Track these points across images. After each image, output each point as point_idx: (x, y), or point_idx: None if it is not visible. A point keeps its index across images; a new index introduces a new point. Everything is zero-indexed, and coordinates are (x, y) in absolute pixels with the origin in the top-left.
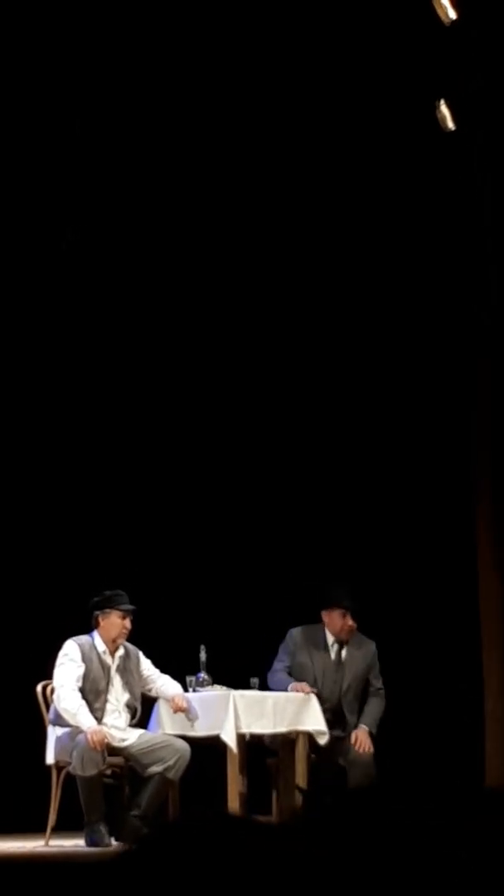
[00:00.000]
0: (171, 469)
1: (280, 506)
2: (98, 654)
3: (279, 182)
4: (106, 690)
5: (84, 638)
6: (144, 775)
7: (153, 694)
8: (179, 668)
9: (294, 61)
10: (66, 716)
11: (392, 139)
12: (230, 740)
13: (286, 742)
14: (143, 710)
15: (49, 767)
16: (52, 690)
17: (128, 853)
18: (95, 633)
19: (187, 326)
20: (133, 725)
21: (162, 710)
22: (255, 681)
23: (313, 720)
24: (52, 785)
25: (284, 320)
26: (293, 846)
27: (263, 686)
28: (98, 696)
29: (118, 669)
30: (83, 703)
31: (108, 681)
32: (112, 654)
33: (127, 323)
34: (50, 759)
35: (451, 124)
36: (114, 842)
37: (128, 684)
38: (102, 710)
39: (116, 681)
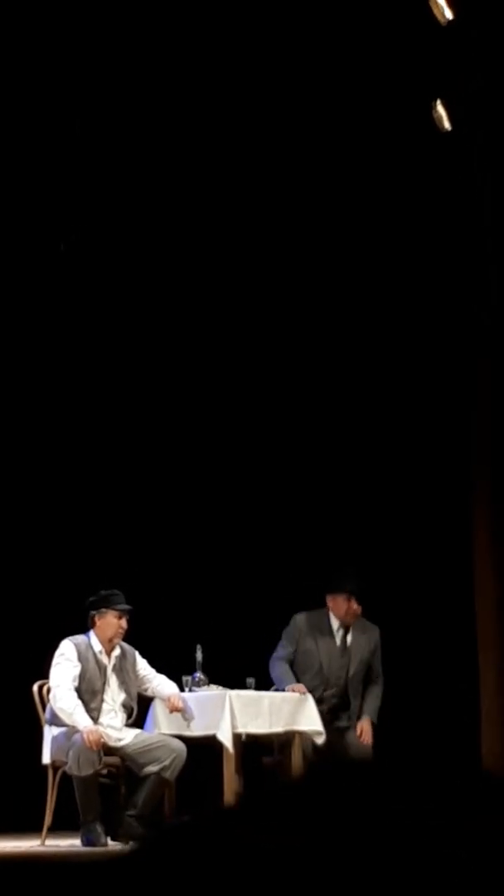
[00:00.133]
0: (168, 469)
1: (277, 505)
2: (94, 653)
3: (279, 183)
4: (102, 690)
5: (80, 637)
6: (141, 775)
7: (149, 694)
8: (175, 668)
9: (293, 62)
10: (62, 715)
11: (391, 139)
12: (226, 740)
13: (284, 742)
14: (139, 710)
15: (45, 767)
16: (49, 690)
17: (125, 855)
18: (92, 633)
19: (185, 325)
20: (129, 725)
21: (158, 710)
22: (251, 681)
23: (309, 720)
24: (49, 785)
25: (284, 318)
26: (291, 843)
27: (260, 686)
28: (94, 696)
29: (114, 669)
30: (79, 702)
31: (105, 680)
32: (108, 653)
33: (125, 324)
34: (46, 758)
35: (447, 125)
36: (110, 841)
37: (124, 684)
38: (98, 709)
39: (113, 680)
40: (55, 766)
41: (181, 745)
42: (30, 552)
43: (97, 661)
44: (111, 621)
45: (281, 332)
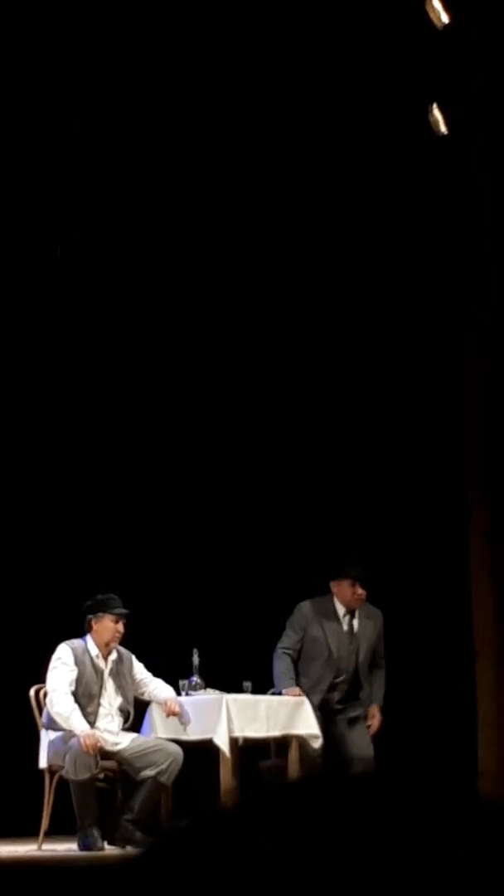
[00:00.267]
0: (164, 474)
1: (273, 510)
2: (91, 657)
3: (278, 186)
4: (99, 694)
5: (77, 642)
6: (137, 779)
7: (146, 698)
8: (172, 672)
9: (291, 67)
10: (58, 720)
11: (390, 141)
12: (223, 744)
13: (280, 746)
14: (135, 714)
15: (42, 771)
16: (45, 694)
17: (123, 861)
18: (88, 637)
19: (182, 323)
20: (126, 729)
21: (155, 714)
22: (247, 684)
23: (306, 724)
24: (45, 789)
25: (283, 319)
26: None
27: (256, 690)
28: (91, 700)
29: (111, 673)
30: (76, 706)
31: (101, 685)
32: (105, 657)
33: (122, 327)
34: (43, 762)
35: (443, 128)
36: (107, 846)
37: (120, 688)
38: (95, 713)
39: (109, 685)
40: (52, 770)
41: (178, 749)
42: (26, 556)
43: (94, 666)
44: (108, 625)
45: (282, 329)
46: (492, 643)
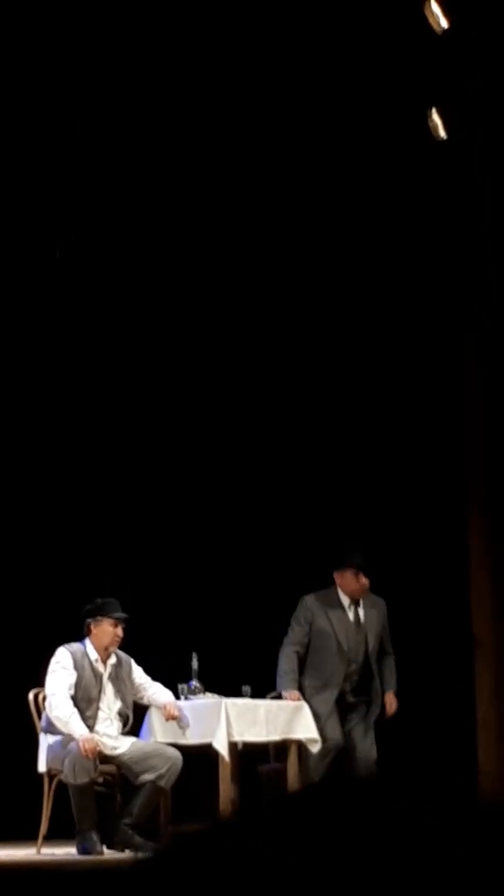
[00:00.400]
0: (163, 478)
1: (272, 513)
2: (90, 661)
3: (278, 189)
4: (98, 698)
5: (76, 645)
6: (136, 783)
7: (145, 702)
8: (171, 676)
9: (290, 71)
10: (57, 724)
11: (390, 142)
12: (222, 748)
13: (280, 750)
14: (134, 718)
15: (41, 775)
16: (44, 698)
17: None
18: (87, 641)
19: (182, 328)
20: (125, 733)
21: (154, 718)
22: (246, 688)
23: (304, 728)
24: (44, 793)
25: (285, 318)
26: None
27: (256, 694)
28: (90, 704)
29: (110, 677)
30: (75, 710)
31: (100, 689)
32: (104, 661)
33: (121, 329)
34: (42, 767)
35: (442, 133)
36: (106, 850)
37: (120, 692)
38: (94, 718)
39: (108, 689)
40: (51, 774)
41: (177, 754)
42: (26, 560)
43: (93, 670)
44: (107, 629)
45: (285, 325)
46: (491, 646)
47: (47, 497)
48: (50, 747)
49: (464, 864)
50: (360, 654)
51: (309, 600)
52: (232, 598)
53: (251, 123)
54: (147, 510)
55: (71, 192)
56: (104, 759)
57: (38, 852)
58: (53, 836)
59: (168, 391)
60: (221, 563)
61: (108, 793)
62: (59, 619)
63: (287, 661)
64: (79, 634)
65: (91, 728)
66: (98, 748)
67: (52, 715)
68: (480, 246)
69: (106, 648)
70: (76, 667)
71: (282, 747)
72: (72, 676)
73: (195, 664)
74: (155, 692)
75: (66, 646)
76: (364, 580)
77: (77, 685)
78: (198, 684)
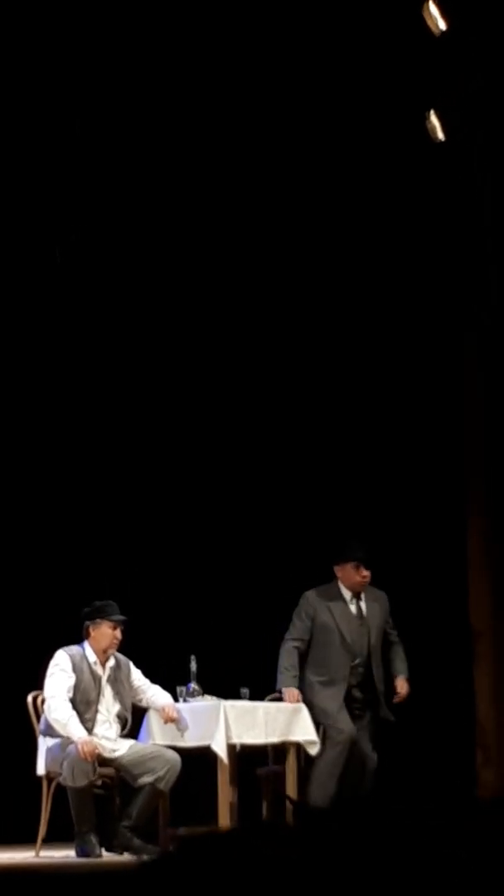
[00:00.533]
0: (161, 479)
1: (270, 517)
2: (89, 664)
3: (278, 190)
4: (97, 701)
5: (75, 648)
6: (135, 786)
7: (143, 704)
8: (170, 679)
9: (289, 72)
10: (56, 726)
11: (389, 143)
12: (221, 751)
13: (279, 752)
14: (133, 721)
15: (40, 778)
16: (43, 701)
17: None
18: (86, 644)
19: (182, 328)
20: (123, 736)
21: (152, 721)
22: (245, 691)
23: (303, 730)
24: (43, 796)
25: (285, 318)
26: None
27: (254, 696)
28: (89, 707)
29: (109, 680)
30: (74, 713)
31: (99, 691)
32: (103, 664)
33: (120, 330)
34: (41, 769)
35: (440, 135)
36: (104, 852)
37: (118, 695)
38: (93, 720)
39: (107, 691)
40: (49, 777)
41: (175, 756)
42: (24, 563)
43: (92, 672)
44: (106, 632)
45: (285, 325)
46: (489, 648)
47: (47, 499)
48: (49, 750)
49: (464, 863)
50: (364, 648)
51: (310, 595)
52: (230, 600)
53: (251, 124)
54: (146, 512)
55: (71, 192)
56: (103, 761)
57: (37, 855)
58: (52, 839)
59: (168, 391)
60: (220, 566)
61: (106, 795)
62: (58, 622)
63: (287, 656)
64: (78, 637)
65: (90, 731)
66: (97, 751)
67: (51, 718)
68: (480, 246)
69: (105, 651)
70: (75, 670)
71: (280, 749)
72: (70, 679)
73: (194, 666)
74: (153, 694)
75: (65, 649)
76: (365, 573)
77: (76, 688)
78: (196, 686)
